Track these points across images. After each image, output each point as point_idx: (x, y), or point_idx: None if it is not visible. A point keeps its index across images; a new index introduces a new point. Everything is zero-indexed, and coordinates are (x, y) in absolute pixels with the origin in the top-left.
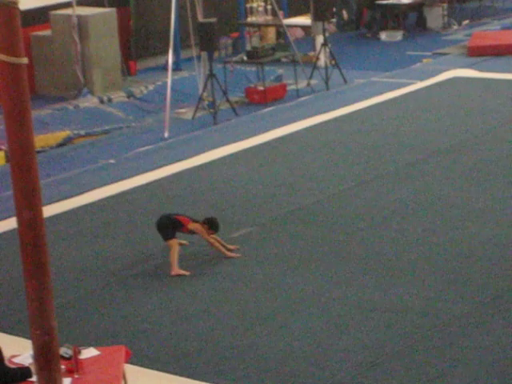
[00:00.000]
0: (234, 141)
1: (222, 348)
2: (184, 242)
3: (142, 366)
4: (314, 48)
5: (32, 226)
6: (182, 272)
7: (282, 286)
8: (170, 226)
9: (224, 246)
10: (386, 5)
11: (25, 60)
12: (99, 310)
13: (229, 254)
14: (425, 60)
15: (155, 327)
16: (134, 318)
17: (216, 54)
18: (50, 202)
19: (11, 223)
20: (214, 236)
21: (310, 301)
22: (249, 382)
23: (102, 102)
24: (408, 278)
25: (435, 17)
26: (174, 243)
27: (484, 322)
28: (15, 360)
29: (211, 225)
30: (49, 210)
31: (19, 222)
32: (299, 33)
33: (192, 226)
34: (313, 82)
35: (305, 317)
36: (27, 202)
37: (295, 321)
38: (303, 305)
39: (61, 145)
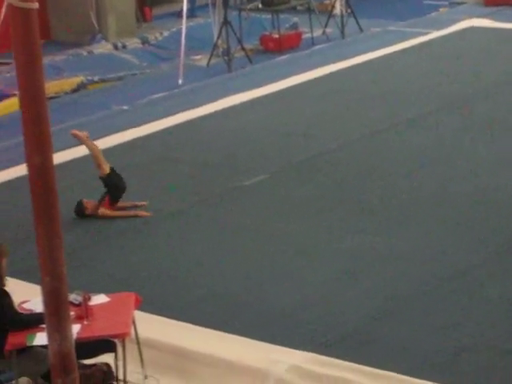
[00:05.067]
0: (249, 89)
1: (232, 296)
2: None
3: (151, 312)
4: None
5: (42, 172)
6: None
7: (294, 234)
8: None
9: (135, 205)
10: None
11: (35, 5)
12: (110, 257)
13: (141, 213)
14: (441, 9)
15: (165, 274)
16: (145, 266)
17: (231, 1)
18: (63, 148)
19: (23, 169)
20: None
21: (322, 249)
22: (259, 330)
23: (116, 48)
24: (422, 227)
25: None
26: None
27: (498, 272)
28: (25, 306)
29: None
30: (61, 157)
31: (29, 168)
32: None
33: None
34: (328, 30)
35: (316, 265)
36: (37, 148)
37: (306, 270)
38: (315, 253)
39: (75, 91)
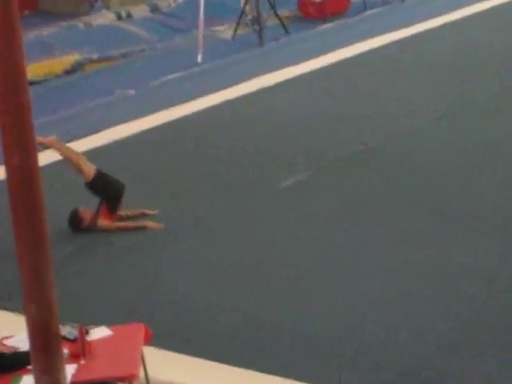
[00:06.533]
0: (284, 66)
1: (266, 324)
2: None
3: (165, 348)
4: None
5: (23, 175)
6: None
7: (339, 245)
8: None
9: (143, 214)
10: None
11: None
12: (113, 280)
13: (150, 224)
14: None
15: (182, 299)
16: (157, 289)
17: None
18: None
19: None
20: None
21: (371, 263)
22: (300, 369)
23: (119, 17)
24: (485, 236)
25: None
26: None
27: None
28: (7, 343)
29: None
30: (52, 155)
31: (7, 170)
32: None
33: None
34: None
35: (364, 284)
36: (17, 146)
37: (353, 289)
38: (362, 268)
39: (69, 72)
